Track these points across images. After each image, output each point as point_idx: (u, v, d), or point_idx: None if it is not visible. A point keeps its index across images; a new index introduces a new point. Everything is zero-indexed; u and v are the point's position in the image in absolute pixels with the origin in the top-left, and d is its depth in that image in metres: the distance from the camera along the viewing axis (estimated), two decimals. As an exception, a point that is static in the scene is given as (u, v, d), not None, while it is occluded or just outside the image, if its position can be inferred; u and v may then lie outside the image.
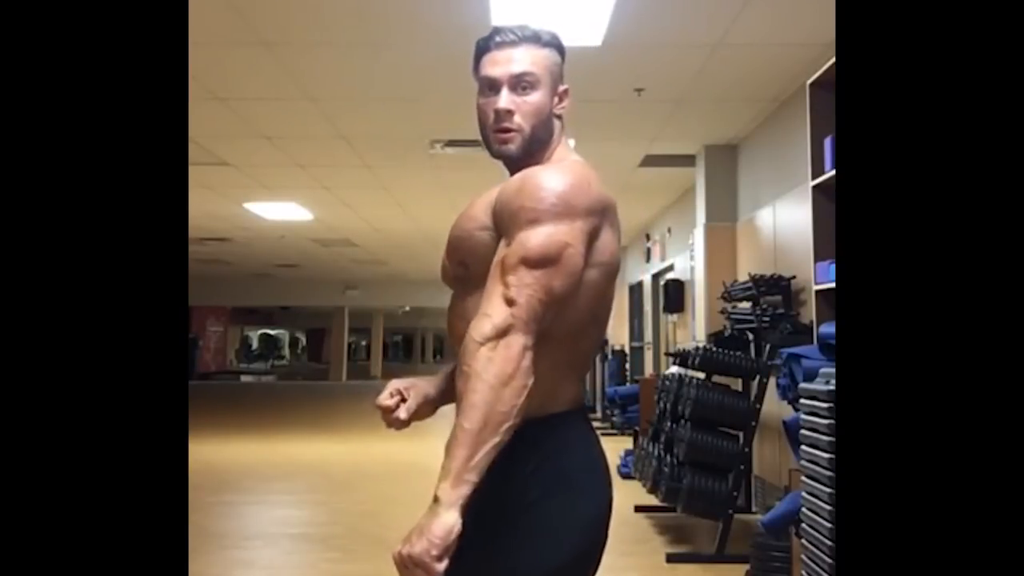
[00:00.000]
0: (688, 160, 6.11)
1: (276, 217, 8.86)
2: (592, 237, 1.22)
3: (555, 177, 1.21)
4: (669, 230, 8.15)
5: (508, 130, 1.30)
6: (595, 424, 10.97)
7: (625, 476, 5.78)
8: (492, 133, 1.31)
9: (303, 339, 35.62)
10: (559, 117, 1.36)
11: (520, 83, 1.31)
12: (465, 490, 1.06)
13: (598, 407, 10.31)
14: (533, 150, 1.31)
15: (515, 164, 1.33)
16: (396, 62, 4.09)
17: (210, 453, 7.49)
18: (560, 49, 1.38)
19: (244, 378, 23.98)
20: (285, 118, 5.15)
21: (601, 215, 1.23)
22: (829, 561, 2.22)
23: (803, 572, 2.42)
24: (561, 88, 1.36)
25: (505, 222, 1.20)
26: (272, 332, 32.94)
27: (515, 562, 1.17)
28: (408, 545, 1.05)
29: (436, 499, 1.07)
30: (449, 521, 1.05)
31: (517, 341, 1.11)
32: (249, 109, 4.97)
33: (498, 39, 1.33)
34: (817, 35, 3.72)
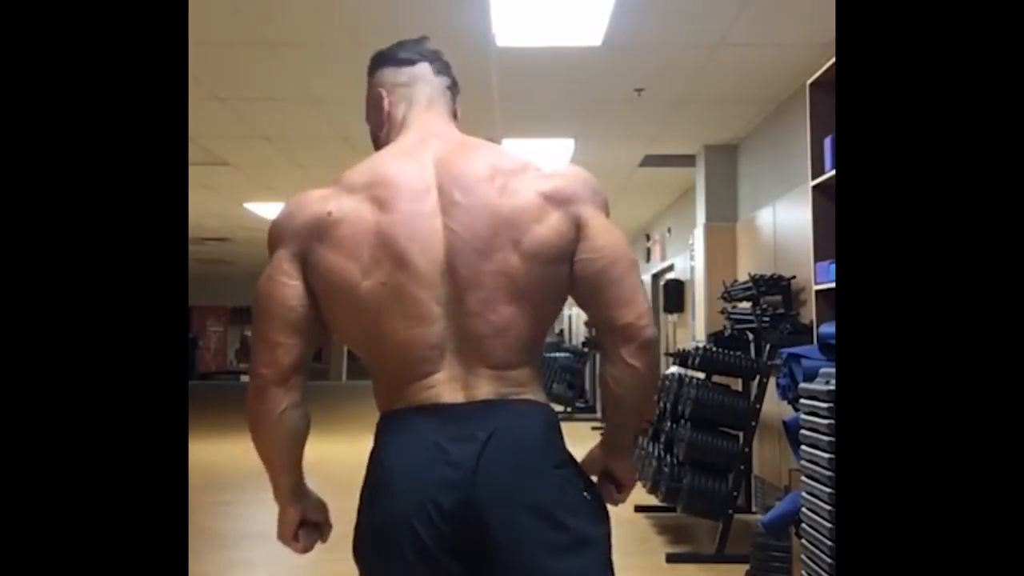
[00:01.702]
0: (688, 160, 6.11)
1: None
2: (304, 259, 1.21)
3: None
4: (669, 230, 8.15)
5: None
6: (595, 424, 10.70)
7: (625, 476, 5.76)
8: None
9: (303, 339, 35.45)
10: (377, 106, 1.40)
11: None
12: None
13: (598, 407, 10.30)
14: (380, 147, 1.37)
15: None
16: (396, 62, 4.08)
17: (210, 453, 7.49)
18: (370, 68, 1.44)
19: (244, 378, 23.91)
20: (285, 118, 5.15)
21: (307, 238, 1.21)
22: (829, 561, 2.22)
23: (803, 572, 2.42)
24: (377, 93, 1.41)
25: None
26: (272, 332, 32.81)
27: None
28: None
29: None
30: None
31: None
32: (249, 109, 4.97)
33: None
34: (817, 35, 3.72)
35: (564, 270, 1.23)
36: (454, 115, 1.41)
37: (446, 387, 1.18)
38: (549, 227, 1.20)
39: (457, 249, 1.18)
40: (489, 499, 1.12)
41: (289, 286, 1.21)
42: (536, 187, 1.22)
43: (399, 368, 1.20)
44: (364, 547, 1.19)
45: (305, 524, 1.36)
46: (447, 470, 1.13)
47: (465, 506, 1.12)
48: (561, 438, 1.23)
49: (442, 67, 1.43)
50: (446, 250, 1.18)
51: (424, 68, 1.41)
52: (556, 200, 1.22)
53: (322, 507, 1.38)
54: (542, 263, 1.20)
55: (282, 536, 1.34)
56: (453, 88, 1.44)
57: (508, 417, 1.18)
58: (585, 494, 1.20)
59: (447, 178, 1.22)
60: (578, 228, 1.23)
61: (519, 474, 1.14)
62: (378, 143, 1.39)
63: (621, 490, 1.35)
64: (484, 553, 1.13)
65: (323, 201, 1.22)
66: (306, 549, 1.36)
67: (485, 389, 1.19)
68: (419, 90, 1.38)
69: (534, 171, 1.25)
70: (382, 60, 1.42)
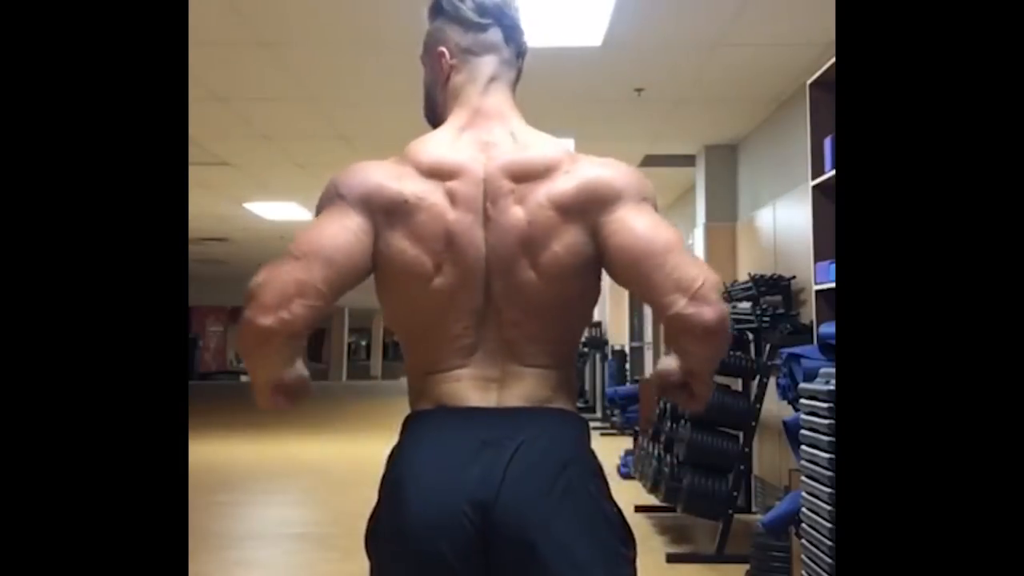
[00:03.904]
0: (688, 160, 6.11)
1: (276, 217, 8.86)
2: (372, 226, 1.14)
3: None
4: (669, 230, 8.13)
5: None
6: (595, 424, 10.64)
7: (625, 476, 5.77)
8: None
9: (303, 339, 35.47)
10: (436, 64, 1.28)
11: None
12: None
13: (598, 407, 10.30)
14: (435, 126, 1.29)
15: None
16: (396, 62, 4.09)
17: (210, 453, 7.49)
18: (434, 9, 1.28)
19: (244, 378, 23.92)
20: (285, 118, 5.15)
21: (380, 214, 1.14)
22: (829, 561, 2.22)
23: (803, 572, 2.42)
24: (437, 51, 1.28)
25: None
26: (272, 332, 32.81)
27: None
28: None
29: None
30: None
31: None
32: (249, 109, 4.97)
33: None
34: (817, 35, 3.71)
35: (587, 283, 1.18)
36: (514, 83, 1.30)
37: (475, 384, 1.15)
38: (564, 245, 1.14)
39: (491, 262, 1.15)
40: (516, 515, 1.07)
41: (358, 237, 1.13)
42: (556, 195, 1.15)
43: (431, 356, 1.17)
44: (382, 550, 1.14)
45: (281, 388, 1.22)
46: (475, 484, 1.08)
47: (490, 520, 1.06)
48: (590, 450, 1.18)
49: (513, 31, 1.28)
50: (485, 260, 1.15)
51: (495, 36, 1.27)
52: (574, 211, 1.15)
53: (298, 375, 1.21)
54: (560, 280, 1.15)
55: (261, 404, 1.18)
56: (521, 55, 1.30)
57: (539, 427, 1.13)
58: (615, 509, 1.16)
59: (492, 186, 1.16)
60: (597, 236, 1.15)
61: (548, 489, 1.08)
62: (432, 101, 1.30)
63: (694, 402, 1.20)
64: (510, 566, 1.07)
65: (398, 180, 1.15)
66: (290, 404, 1.20)
67: (516, 394, 1.15)
68: (484, 63, 1.26)
69: (563, 172, 1.17)
70: (449, 13, 1.27)
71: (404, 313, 1.21)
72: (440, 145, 1.19)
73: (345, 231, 1.13)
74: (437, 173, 1.16)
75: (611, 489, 1.19)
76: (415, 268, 1.14)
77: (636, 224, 1.14)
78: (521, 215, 1.14)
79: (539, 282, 1.14)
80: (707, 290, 1.07)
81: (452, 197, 1.15)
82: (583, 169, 1.18)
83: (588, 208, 1.16)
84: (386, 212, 1.15)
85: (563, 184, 1.16)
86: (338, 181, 1.18)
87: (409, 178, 1.16)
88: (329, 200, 1.18)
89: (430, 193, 1.15)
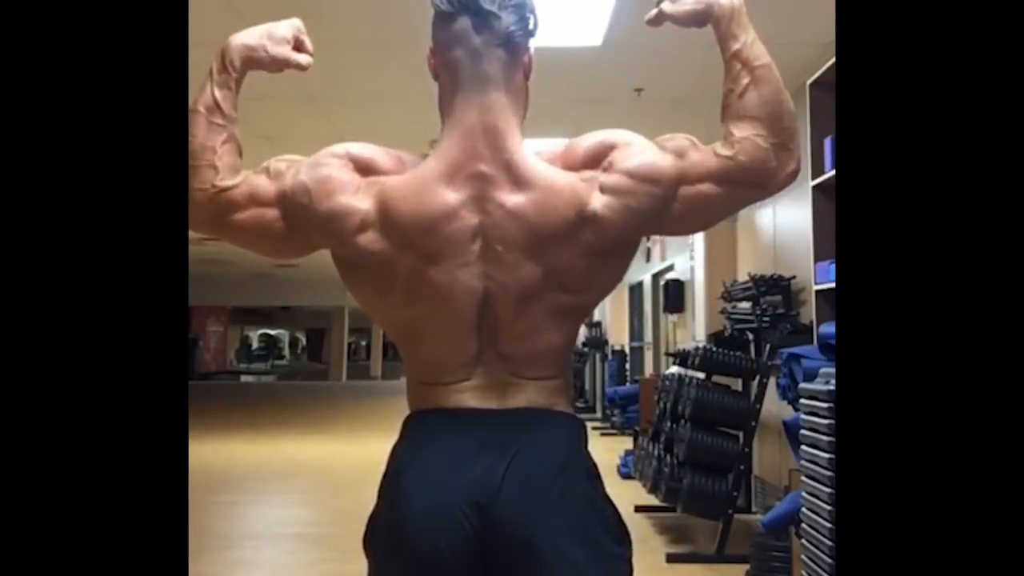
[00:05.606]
0: (688, 160, 6.11)
1: (276, 217, 8.84)
2: (333, 247, 1.17)
3: None
4: (669, 230, 8.12)
5: None
6: (595, 424, 10.67)
7: (625, 476, 5.77)
8: None
9: (303, 339, 35.59)
10: (437, 83, 1.22)
11: None
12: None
13: (598, 407, 10.30)
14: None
15: None
16: (396, 62, 4.09)
17: (210, 453, 7.49)
18: None
19: (244, 378, 23.96)
20: (285, 118, 5.15)
21: (344, 253, 1.16)
22: (829, 561, 2.22)
23: (803, 572, 2.42)
24: (427, 51, 1.22)
25: None
26: (272, 332, 32.90)
27: None
28: None
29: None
30: None
31: None
32: (249, 109, 4.95)
33: None
34: (817, 35, 3.72)
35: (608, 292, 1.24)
36: (505, 77, 1.18)
37: (477, 393, 1.15)
38: (603, 278, 1.18)
39: (496, 294, 1.12)
40: (514, 516, 1.07)
41: (274, 230, 1.17)
42: (587, 247, 1.13)
43: (430, 373, 1.17)
44: (381, 550, 1.14)
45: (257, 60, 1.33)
46: (474, 485, 1.08)
47: (489, 521, 1.07)
48: (587, 452, 1.19)
49: (485, 18, 1.13)
50: (484, 291, 1.12)
51: (463, 26, 1.13)
52: (617, 248, 1.18)
53: (269, 43, 1.36)
54: (594, 293, 1.20)
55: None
56: (510, 42, 1.16)
57: (537, 429, 1.14)
58: (611, 510, 1.16)
59: (490, 223, 1.11)
60: (665, 216, 1.21)
61: (547, 491, 1.09)
62: (441, 106, 1.23)
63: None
64: (507, 567, 1.08)
65: (362, 229, 1.12)
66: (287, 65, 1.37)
67: (517, 398, 1.15)
68: (455, 60, 1.15)
69: (580, 221, 1.12)
70: (432, 4, 1.16)
71: (394, 336, 1.23)
72: (428, 188, 1.12)
73: (267, 220, 1.17)
74: (418, 229, 1.11)
75: (610, 489, 1.20)
76: (381, 303, 1.18)
77: (701, 202, 1.30)
78: (539, 274, 1.12)
79: (569, 299, 1.16)
80: (771, 154, 1.29)
81: (429, 257, 1.11)
82: (606, 214, 1.14)
83: (632, 232, 1.19)
84: (351, 255, 1.15)
85: (591, 237, 1.13)
86: (307, 188, 1.14)
87: (374, 230, 1.12)
88: (303, 177, 1.16)
89: (403, 251, 1.11)
